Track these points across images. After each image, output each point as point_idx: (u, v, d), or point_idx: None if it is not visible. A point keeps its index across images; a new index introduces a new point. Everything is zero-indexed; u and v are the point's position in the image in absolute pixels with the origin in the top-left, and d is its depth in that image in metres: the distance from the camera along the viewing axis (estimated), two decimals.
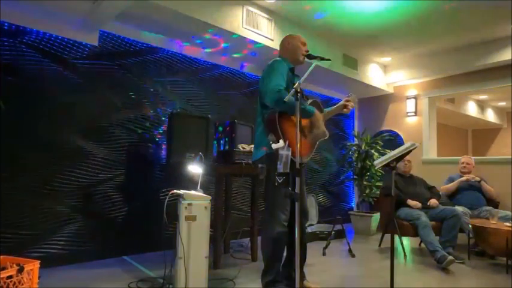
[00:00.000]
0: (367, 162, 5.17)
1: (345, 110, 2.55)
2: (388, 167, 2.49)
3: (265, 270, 2.34)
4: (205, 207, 2.36)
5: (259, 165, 2.36)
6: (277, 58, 2.41)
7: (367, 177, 5.26)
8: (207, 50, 4.13)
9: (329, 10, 3.91)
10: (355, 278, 2.97)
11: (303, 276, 2.50)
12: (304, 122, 2.34)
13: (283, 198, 2.24)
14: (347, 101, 2.54)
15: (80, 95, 3.26)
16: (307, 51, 2.46)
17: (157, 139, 3.77)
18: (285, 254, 2.41)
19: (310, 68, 1.88)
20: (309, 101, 2.43)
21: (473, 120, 8.41)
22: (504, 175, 4.55)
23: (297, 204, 1.75)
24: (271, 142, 2.10)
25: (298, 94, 1.79)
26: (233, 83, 4.53)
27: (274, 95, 2.13)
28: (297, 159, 1.76)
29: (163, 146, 3.76)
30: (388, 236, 3.68)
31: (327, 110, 2.61)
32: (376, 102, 6.06)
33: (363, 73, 5.37)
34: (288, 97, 1.87)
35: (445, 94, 5.59)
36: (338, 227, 4.33)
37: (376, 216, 5.01)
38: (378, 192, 4.95)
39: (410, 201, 3.83)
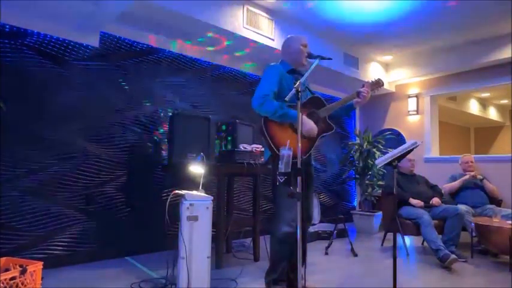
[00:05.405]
0: (369, 161, 5.15)
1: (358, 99, 2.36)
2: (390, 165, 2.48)
3: (270, 268, 2.36)
4: (207, 208, 2.36)
5: (268, 167, 2.36)
6: (272, 63, 2.41)
7: (369, 176, 5.26)
8: (208, 50, 4.12)
9: (330, 9, 3.90)
10: (357, 277, 2.96)
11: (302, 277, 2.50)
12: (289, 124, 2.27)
13: (289, 197, 2.23)
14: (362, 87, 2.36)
15: (81, 96, 3.27)
16: (309, 52, 2.44)
17: (158, 140, 3.78)
18: None
19: (311, 68, 1.88)
20: (309, 97, 2.40)
21: (475, 118, 8.37)
22: (506, 173, 4.53)
23: (298, 204, 1.76)
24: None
25: (299, 93, 1.80)
26: (234, 83, 4.53)
27: (257, 100, 2.19)
28: (298, 159, 1.77)
29: (165, 147, 3.76)
30: (390, 235, 3.67)
31: (332, 104, 2.45)
32: (378, 101, 6.04)
33: (364, 72, 5.35)
34: (289, 97, 1.87)
35: (446, 92, 5.57)
36: (340, 226, 4.33)
37: (378, 215, 5.00)
38: (380, 191, 4.94)
39: (412, 200, 3.82)
